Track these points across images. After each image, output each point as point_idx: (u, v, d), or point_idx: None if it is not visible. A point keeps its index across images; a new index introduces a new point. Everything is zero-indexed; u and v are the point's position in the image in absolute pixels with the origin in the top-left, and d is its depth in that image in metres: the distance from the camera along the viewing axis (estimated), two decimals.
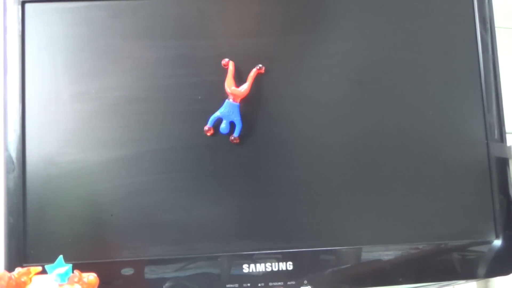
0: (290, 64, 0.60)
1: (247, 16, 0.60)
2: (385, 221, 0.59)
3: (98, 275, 0.47)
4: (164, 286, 0.56)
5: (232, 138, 0.58)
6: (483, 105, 0.61)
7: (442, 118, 0.61)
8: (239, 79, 0.59)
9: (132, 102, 0.58)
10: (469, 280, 0.68)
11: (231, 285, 0.56)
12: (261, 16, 0.60)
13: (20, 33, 0.58)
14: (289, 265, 0.57)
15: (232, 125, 0.58)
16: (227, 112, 0.57)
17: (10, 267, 0.54)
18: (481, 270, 0.59)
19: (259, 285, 0.56)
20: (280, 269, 0.57)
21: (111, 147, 0.57)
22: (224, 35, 0.59)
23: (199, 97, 0.58)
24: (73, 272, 0.45)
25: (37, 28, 0.58)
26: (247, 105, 0.59)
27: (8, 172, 0.56)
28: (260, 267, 0.57)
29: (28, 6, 0.59)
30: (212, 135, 0.58)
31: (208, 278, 0.56)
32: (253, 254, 0.57)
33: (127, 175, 0.57)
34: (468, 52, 0.62)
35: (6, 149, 0.57)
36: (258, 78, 0.59)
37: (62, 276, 0.44)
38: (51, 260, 0.45)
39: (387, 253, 0.58)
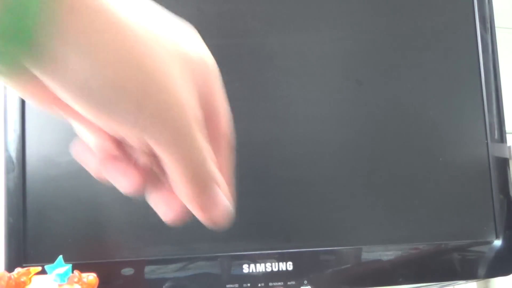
0: (290, 64, 0.60)
1: (247, 16, 0.60)
2: (385, 221, 0.59)
3: (98, 275, 0.47)
4: (164, 286, 0.56)
5: None
6: (483, 105, 0.61)
7: (442, 118, 0.61)
8: (241, 80, 0.59)
9: None
10: (469, 281, 0.68)
11: (231, 285, 0.56)
12: (261, 16, 0.60)
13: None
14: (289, 265, 0.57)
15: None
16: None
17: (10, 267, 0.54)
18: (481, 270, 0.59)
19: (259, 285, 0.56)
20: (280, 269, 0.57)
21: None
22: (224, 35, 0.59)
23: None
24: (72, 272, 0.44)
25: None
26: (247, 104, 0.59)
27: (8, 172, 0.56)
28: (260, 267, 0.57)
29: None
30: None
31: (208, 278, 0.56)
32: (253, 254, 0.57)
33: None
34: (468, 52, 0.62)
35: (6, 149, 0.57)
36: (257, 78, 0.59)
37: (62, 276, 0.43)
38: (51, 260, 0.45)
39: (387, 253, 0.58)
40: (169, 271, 0.56)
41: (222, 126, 0.29)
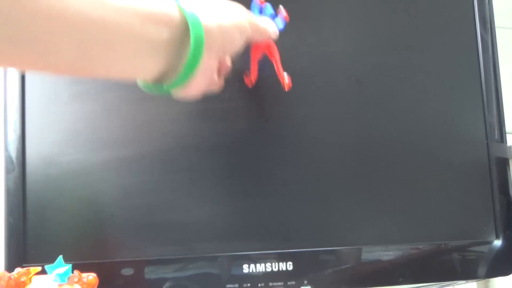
0: (290, 64, 0.59)
1: None
2: (385, 221, 0.59)
3: (98, 275, 0.47)
4: (164, 286, 0.56)
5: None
6: (483, 105, 0.61)
7: (442, 118, 0.61)
8: (241, 79, 0.59)
9: (132, 102, 0.58)
10: (469, 281, 0.68)
11: (231, 285, 0.56)
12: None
13: None
14: (289, 265, 0.57)
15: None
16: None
17: (10, 267, 0.54)
18: (481, 270, 0.59)
19: (259, 285, 0.56)
20: (280, 269, 0.57)
21: (111, 147, 0.57)
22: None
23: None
24: (72, 272, 0.44)
25: None
26: (247, 104, 0.59)
27: (8, 172, 0.56)
28: (260, 267, 0.57)
29: None
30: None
31: (208, 278, 0.56)
32: (253, 254, 0.57)
33: (127, 175, 0.57)
34: (468, 52, 0.62)
35: (6, 149, 0.57)
36: (259, 78, 0.59)
37: (62, 276, 0.44)
38: (51, 260, 0.45)
39: (387, 253, 0.58)
40: (169, 271, 0.56)
41: None
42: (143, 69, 0.41)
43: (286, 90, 0.56)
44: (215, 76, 0.48)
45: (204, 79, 0.44)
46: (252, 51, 0.55)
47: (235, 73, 0.59)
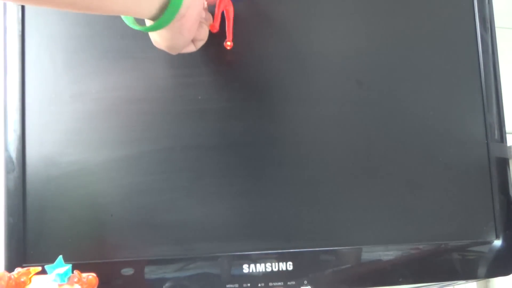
0: (290, 65, 0.60)
1: (246, 16, 0.60)
2: (385, 221, 0.59)
3: (98, 275, 0.47)
4: (164, 286, 0.56)
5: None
6: (483, 105, 0.61)
7: (442, 118, 0.61)
8: (241, 80, 0.59)
9: (132, 102, 0.58)
10: (469, 281, 0.68)
11: (231, 285, 0.56)
12: (261, 16, 0.60)
13: (20, 33, 0.58)
14: (289, 265, 0.57)
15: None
16: None
17: (10, 267, 0.54)
18: (481, 270, 0.59)
19: (259, 285, 0.56)
20: (280, 269, 0.57)
21: (111, 147, 0.57)
22: (224, 35, 0.59)
23: (199, 97, 0.58)
24: (72, 272, 0.45)
25: (37, 28, 0.58)
26: (247, 104, 0.59)
27: (8, 172, 0.56)
28: (260, 267, 0.57)
29: (28, 6, 0.59)
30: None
31: (208, 278, 0.56)
32: (253, 254, 0.57)
33: (127, 175, 0.57)
34: (468, 52, 0.62)
35: (6, 149, 0.57)
36: (257, 78, 0.59)
37: (62, 276, 0.44)
38: (51, 260, 0.45)
39: (387, 253, 0.58)
40: (169, 271, 0.56)
41: None
42: (143, 6, 0.47)
43: (227, 48, 0.59)
44: (203, 21, 0.55)
45: (194, 18, 0.51)
46: (217, 4, 0.58)
47: (234, 74, 0.59)
